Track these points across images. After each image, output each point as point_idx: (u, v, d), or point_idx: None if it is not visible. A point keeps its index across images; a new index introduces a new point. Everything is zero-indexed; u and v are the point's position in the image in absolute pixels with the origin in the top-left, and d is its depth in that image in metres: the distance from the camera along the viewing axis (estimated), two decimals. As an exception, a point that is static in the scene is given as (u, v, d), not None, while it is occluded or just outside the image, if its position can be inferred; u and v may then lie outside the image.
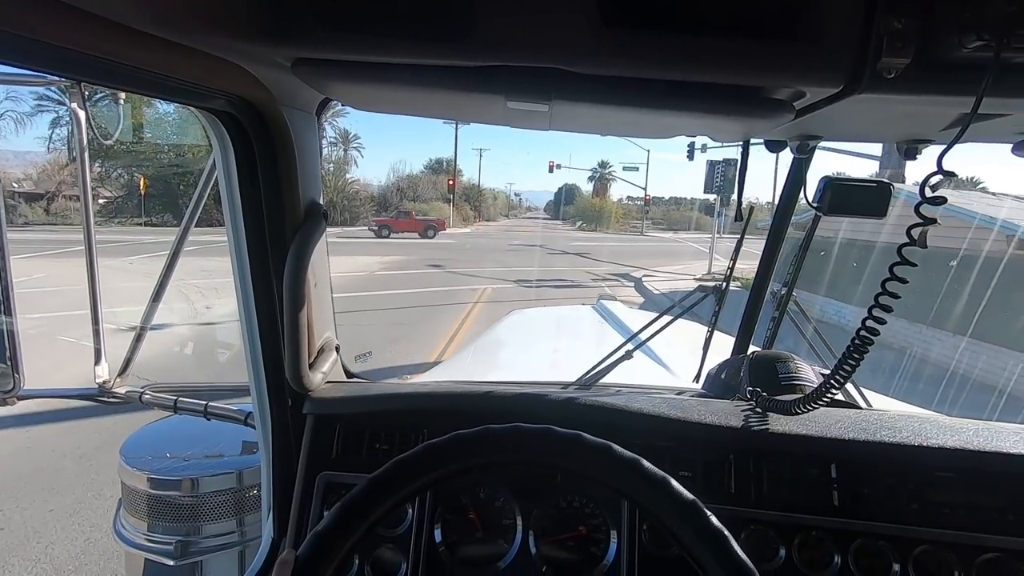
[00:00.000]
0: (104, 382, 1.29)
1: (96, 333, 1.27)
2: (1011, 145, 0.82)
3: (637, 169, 42.94)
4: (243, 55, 0.71)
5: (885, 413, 1.09)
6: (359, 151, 44.84)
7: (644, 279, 14.08)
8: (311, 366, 1.00)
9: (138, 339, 1.29)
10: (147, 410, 1.29)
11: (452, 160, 45.30)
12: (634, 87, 0.63)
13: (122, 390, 1.29)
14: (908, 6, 0.51)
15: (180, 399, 1.23)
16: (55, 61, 0.57)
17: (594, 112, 0.74)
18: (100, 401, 1.29)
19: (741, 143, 1.02)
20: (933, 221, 0.62)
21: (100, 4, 0.53)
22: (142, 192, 22.45)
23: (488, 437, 0.61)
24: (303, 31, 0.59)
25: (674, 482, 0.58)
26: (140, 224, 22.29)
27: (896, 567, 0.88)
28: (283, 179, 0.90)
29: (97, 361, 1.28)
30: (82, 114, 1.15)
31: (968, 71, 0.52)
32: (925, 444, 0.91)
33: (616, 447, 0.60)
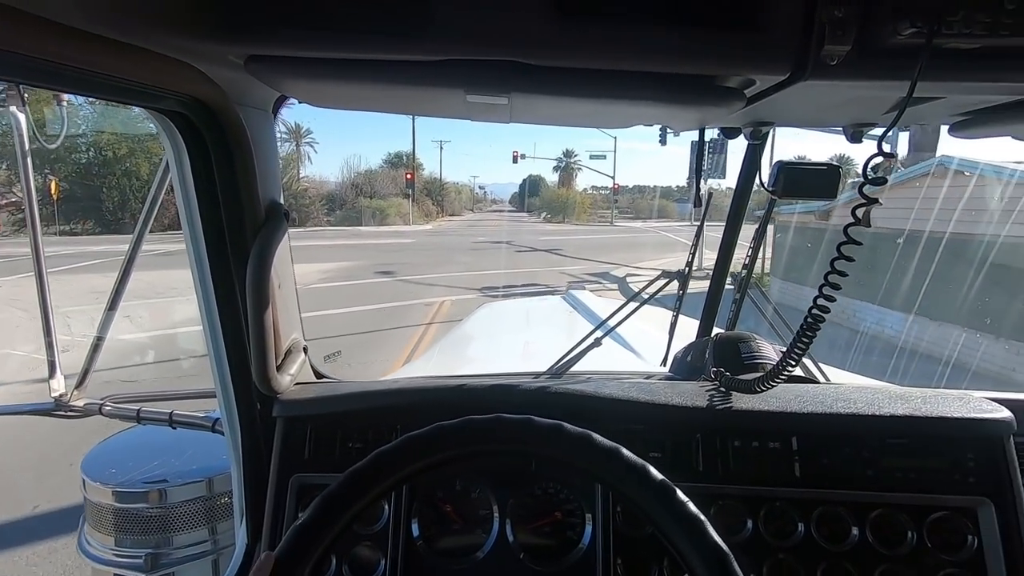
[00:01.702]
0: (60, 396, 1.24)
1: (49, 345, 1.22)
2: (947, 127, 0.87)
3: (604, 157, 41.95)
4: (193, 54, 0.69)
5: (841, 386, 1.14)
6: (312, 147, 42.72)
7: (628, 278, 12.57)
8: (279, 368, 0.99)
9: (95, 349, 1.25)
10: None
11: (411, 153, 43.49)
12: (591, 78, 0.64)
13: (80, 403, 1.24)
14: None
15: (143, 409, 1.19)
16: None
17: (553, 104, 0.75)
18: (57, 416, 1.24)
19: (697, 131, 1.04)
20: (876, 201, 0.65)
21: (40, 4, 0.51)
22: (53, 196, 19.11)
23: (469, 427, 0.62)
24: (255, 28, 0.58)
25: (652, 468, 0.60)
26: (54, 233, 19.08)
27: (855, 531, 0.93)
28: (241, 179, 0.89)
29: (51, 374, 1.23)
30: (22, 117, 1.10)
31: (904, 57, 0.54)
32: (878, 413, 0.95)
33: (596, 436, 0.62)
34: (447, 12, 0.56)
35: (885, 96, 0.70)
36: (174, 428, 1.19)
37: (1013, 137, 0.84)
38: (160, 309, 7.95)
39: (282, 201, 0.99)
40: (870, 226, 0.68)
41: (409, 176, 34.44)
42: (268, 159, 0.93)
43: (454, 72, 0.64)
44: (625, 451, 0.61)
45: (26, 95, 1.08)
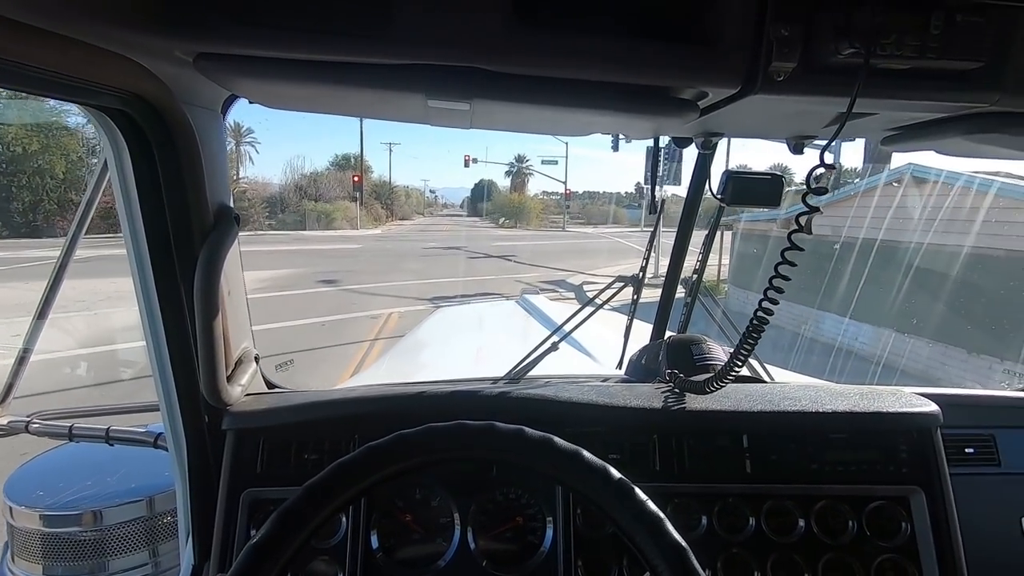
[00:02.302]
0: (-22, 414, 1.14)
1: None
2: (880, 139, 0.93)
3: (556, 163, 42.27)
4: (136, 48, 0.65)
5: (787, 385, 1.20)
6: (254, 147, 40.39)
7: (584, 286, 12.40)
8: (229, 379, 0.94)
9: (20, 362, 1.16)
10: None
11: (359, 155, 41.85)
12: (551, 86, 0.66)
13: (4, 420, 1.15)
14: (793, 15, 0.56)
15: (76, 425, 1.11)
16: None
17: (513, 110, 0.76)
18: (-25, 435, 1.14)
19: (652, 139, 1.07)
20: (817, 210, 0.69)
21: None
22: None
23: (431, 434, 0.62)
24: (206, 23, 0.56)
25: (612, 469, 0.61)
26: None
27: (801, 523, 0.97)
28: (188, 182, 0.84)
29: (-30, 391, 1.13)
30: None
31: (843, 74, 0.58)
32: (820, 410, 1.01)
33: (557, 440, 0.63)
34: (408, 15, 0.56)
35: (825, 111, 0.75)
36: (111, 445, 1.12)
37: (937, 151, 0.91)
38: (86, 322, 7.35)
39: (232, 204, 0.95)
40: (811, 233, 0.72)
41: (356, 179, 32.92)
42: (216, 161, 0.90)
43: (415, 76, 0.64)
44: (586, 453, 0.63)
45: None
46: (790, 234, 0.72)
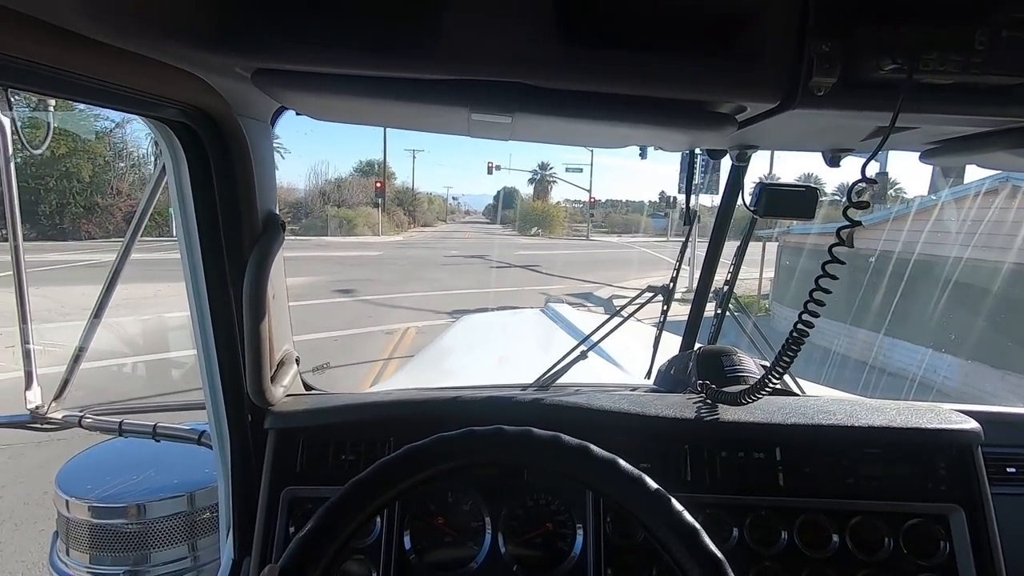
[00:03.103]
0: (37, 407, 1.20)
1: (27, 355, 1.18)
2: (919, 153, 0.92)
3: (581, 170, 41.69)
4: (200, 64, 0.69)
5: (820, 399, 1.18)
6: (280, 153, 41.52)
7: (614, 299, 11.63)
8: (272, 379, 0.98)
9: (76, 360, 1.21)
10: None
11: (383, 162, 41.48)
12: (592, 100, 0.67)
13: (59, 415, 1.20)
14: (834, 31, 0.57)
15: (126, 421, 1.16)
16: None
17: (553, 124, 0.77)
18: (33, 428, 1.20)
19: (687, 151, 1.08)
20: (859, 223, 0.70)
21: (49, 10, 0.50)
22: None
23: (472, 438, 0.64)
24: (265, 41, 0.59)
25: (648, 479, 0.62)
26: None
27: (835, 538, 0.96)
28: (240, 190, 0.89)
29: (28, 385, 1.19)
30: (7, 121, 1.08)
31: (885, 89, 0.59)
32: (856, 424, 1.00)
33: (594, 448, 0.64)
34: (456, 33, 0.58)
35: (865, 124, 0.75)
36: (158, 441, 1.17)
37: (978, 165, 0.90)
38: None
39: (278, 212, 0.99)
40: (853, 247, 0.72)
41: (379, 185, 32.30)
42: (265, 170, 0.94)
43: (460, 91, 0.66)
44: (622, 462, 0.64)
45: (13, 99, 1.06)
46: (831, 247, 0.73)
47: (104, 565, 1.23)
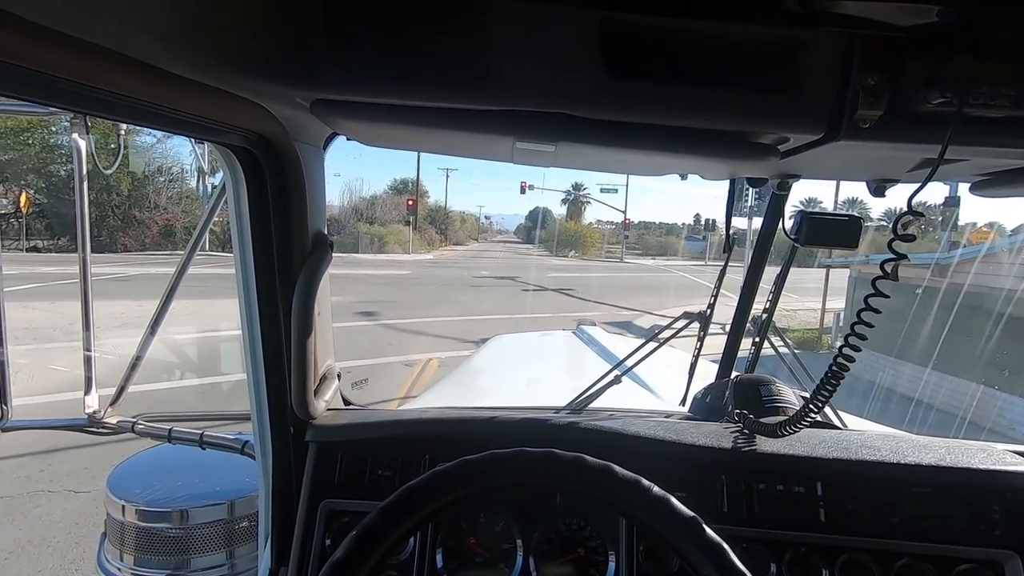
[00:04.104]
0: (94, 412, 1.27)
1: (87, 361, 1.25)
2: (968, 185, 0.91)
3: (615, 191, 40.94)
4: (264, 94, 0.74)
5: (863, 433, 1.15)
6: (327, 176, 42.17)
7: (655, 330, 10.62)
8: (315, 393, 1.01)
9: (132, 368, 1.28)
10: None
11: (416, 180, 41.81)
12: (634, 131, 0.69)
13: (113, 420, 1.27)
14: (880, 64, 0.58)
15: (175, 428, 1.21)
16: (71, 96, 0.57)
17: (595, 152, 0.79)
18: (90, 432, 1.26)
19: (728, 180, 1.09)
20: (904, 256, 0.69)
21: (128, 44, 0.54)
22: (23, 210, 17.98)
23: (494, 461, 0.65)
24: (324, 73, 0.62)
25: (674, 500, 0.62)
26: (19, 249, 18.04)
27: None
28: (293, 211, 0.93)
29: (87, 391, 1.26)
30: (83, 144, 1.16)
31: (933, 122, 0.58)
32: (903, 462, 0.97)
33: (617, 468, 0.64)
34: (504, 66, 0.61)
35: (911, 156, 0.74)
36: (203, 449, 1.21)
37: None
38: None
39: (326, 232, 1.04)
40: (897, 280, 0.71)
41: (411, 203, 32.25)
42: (317, 192, 0.98)
43: (506, 121, 0.68)
44: (646, 482, 0.64)
45: (90, 123, 1.14)
46: (874, 280, 0.72)
47: (148, 568, 1.28)
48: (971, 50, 0.55)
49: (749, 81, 0.62)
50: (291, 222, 0.94)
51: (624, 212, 38.11)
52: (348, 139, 0.99)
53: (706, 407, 1.39)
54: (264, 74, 0.63)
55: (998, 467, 0.96)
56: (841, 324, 10.54)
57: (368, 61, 0.62)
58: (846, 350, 0.79)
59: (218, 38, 0.57)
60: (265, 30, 0.60)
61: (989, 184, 0.84)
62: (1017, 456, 0.99)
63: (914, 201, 0.66)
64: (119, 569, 1.29)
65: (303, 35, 0.60)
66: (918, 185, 0.71)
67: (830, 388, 0.85)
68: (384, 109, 0.69)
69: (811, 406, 0.89)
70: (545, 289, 17.18)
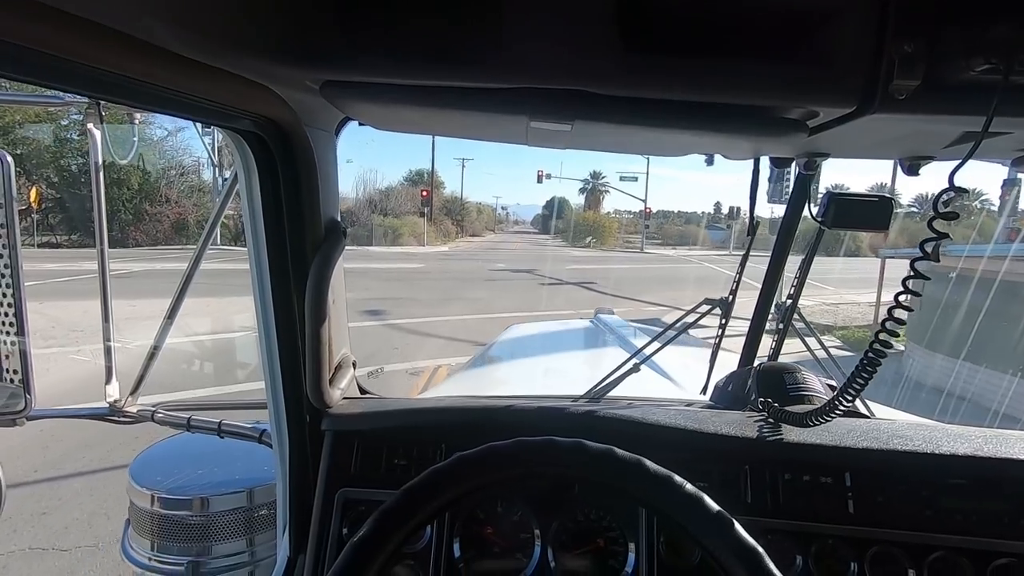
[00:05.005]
0: (115, 401, 1.28)
1: (107, 351, 1.27)
2: (1009, 161, 0.85)
3: (636, 179, 39.57)
4: (273, 78, 0.72)
5: (894, 423, 1.11)
6: (339, 162, 41.34)
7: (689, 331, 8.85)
8: (330, 382, 1.01)
9: (151, 358, 1.29)
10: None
11: (431, 170, 40.42)
12: (653, 108, 0.66)
13: (134, 409, 1.28)
14: (917, 30, 0.53)
15: (193, 417, 1.22)
16: (82, 80, 0.57)
17: (613, 131, 0.76)
18: (111, 420, 1.28)
19: (752, 159, 1.05)
20: (946, 235, 0.65)
21: (138, 27, 0.53)
22: (34, 205, 17.50)
23: (521, 449, 0.63)
24: (333, 54, 0.61)
25: (707, 498, 0.60)
26: (31, 245, 17.98)
27: (911, 573, 0.89)
28: (305, 197, 0.92)
29: (108, 380, 1.28)
30: (98, 133, 1.16)
31: (976, 92, 0.54)
32: (937, 452, 0.93)
33: (647, 462, 0.62)
34: (517, 42, 0.58)
35: (949, 130, 0.70)
36: (222, 437, 1.22)
37: None
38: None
39: (339, 219, 1.02)
40: (938, 260, 0.67)
41: (425, 193, 31.15)
42: (329, 178, 0.97)
43: (520, 99, 0.66)
44: (677, 477, 0.62)
45: (104, 112, 1.15)
46: (913, 261, 0.68)
47: (171, 554, 1.30)
48: (1018, 11, 0.51)
49: (775, 52, 0.58)
50: (303, 210, 0.93)
51: (644, 201, 37.44)
52: (360, 124, 0.97)
53: (729, 396, 1.35)
54: (272, 56, 0.61)
55: None
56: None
57: (377, 41, 0.60)
58: (883, 336, 0.75)
59: (225, 19, 0.56)
60: (273, 11, 0.58)
61: None
62: None
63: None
64: (142, 555, 1.32)
65: (311, 16, 0.59)
66: (957, 162, 0.67)
67: (865, 376, 0.81)
68: (395, 90, 0.67)
69: (844, 395, 0.85)
70: (565, 283, 16.01)
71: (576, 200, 57.13)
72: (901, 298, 0.71)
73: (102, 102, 1.11)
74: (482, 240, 42.29)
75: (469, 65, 0.60)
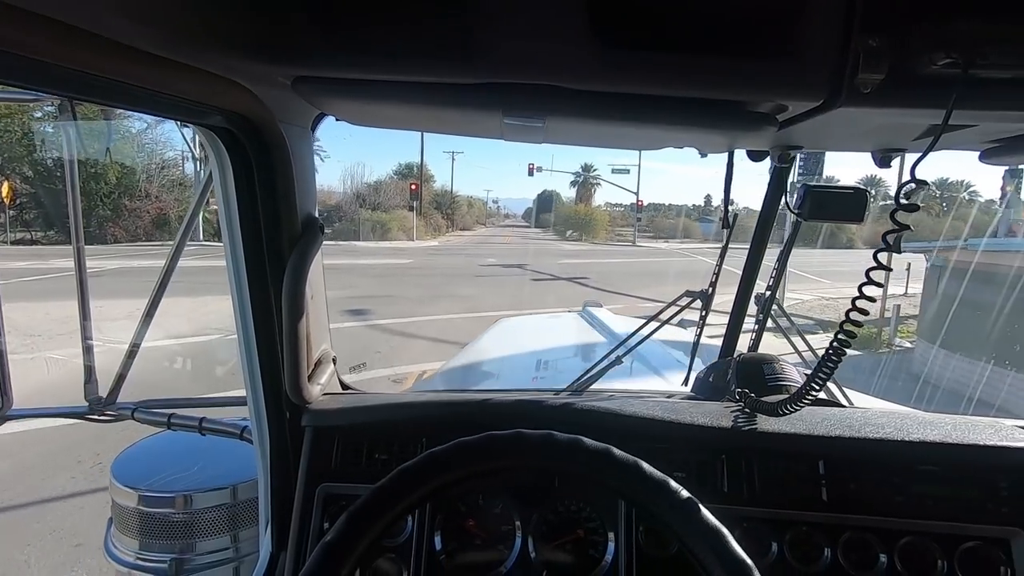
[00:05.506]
0: (95, 400, 1.28)
1: (86, 350, 1.26)
2: (978, 153, 0.87)
3: (628, 172, 38.97)
4: (244, 73, 0.72)
5: (868, 411, 1.13)
6: (319, 156, 38.90)
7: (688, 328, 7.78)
8: (310, 378, 1.01)
9: (130, 356, 1.28)
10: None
11: (420, 163, 39.43)
12: (626, 103, 0.66)
13: (113, 408, 1.28)
14: (882, 25, 0.54)
15: (174, 415, 1.22)
16: (51, 79, 0.57)
17: (587, 126, 0.77)
18: (91, 419, 1.27)
19: (726, 153, 1.05)
20: (908, 227, 0.66)
21: (101, 23, 0.53)
22: (6, 201, 17.19)
23: (492, 443, 0.63)
24: (305, 50, 0.61)
25: (673, 483, 0.61)
26: (7, 242, 17.48)
27: (883, 558, 0.91)
28: (281, 194, 0.92)
29: (88, 379, 1.27)
30: (72, 131, 1.15)
31: (938, 85, 0.55)
32: (907, 439, 0.94)
33: (615, 450, 0.63)
34: (488, 38, 0.59)
35: (916, 123, 0.71)
36: (203, 434, 1.22)
37: None
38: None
39: (317, 215, 1.02)
40: (900, 252, 0.68)
41: (414, 187, 30.18)
42: (306, 174, 0.97)
43: (493, 95, 0.66)
44: (645, 464, 0.63)
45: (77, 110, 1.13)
46: (876, 252, 0.69)
47: (154, 552, 1.30)
48: (978, 8, 0.52)
49: (744, 46, 0.58)
50: (279, 206, 0.93)
51: (636, 193, 37.33)
52: (337, 119, 0.97)
53: (709, 387, 1.37)
54: (244, 52, 0.61)
55: (1007, 443, 0.94)
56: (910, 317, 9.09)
57: (350, 37, 0.60)
58: (848, 326, 0.77)
59: (195, 16, 0.56)
60: (244, 7, 0.58)
61: (999, 151, 0.81)
62: None
63: (917, 172, 0.63)
64: (126, 553, 1.31)
65: (282, 11, 0.58)
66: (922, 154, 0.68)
67: (832, 365, 0.83)
68: (367, 86, 0.67)
69: (813, 384, 0.87)
70: (557, 278, 15.62)
71: (568, 193, 57.02)
72: (865, 289, 0.72)
73: (75, 101, 1.10)
74: (473, 234, 41.75)
75: (442, 61, 0.60)
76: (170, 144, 23.02)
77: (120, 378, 1.29)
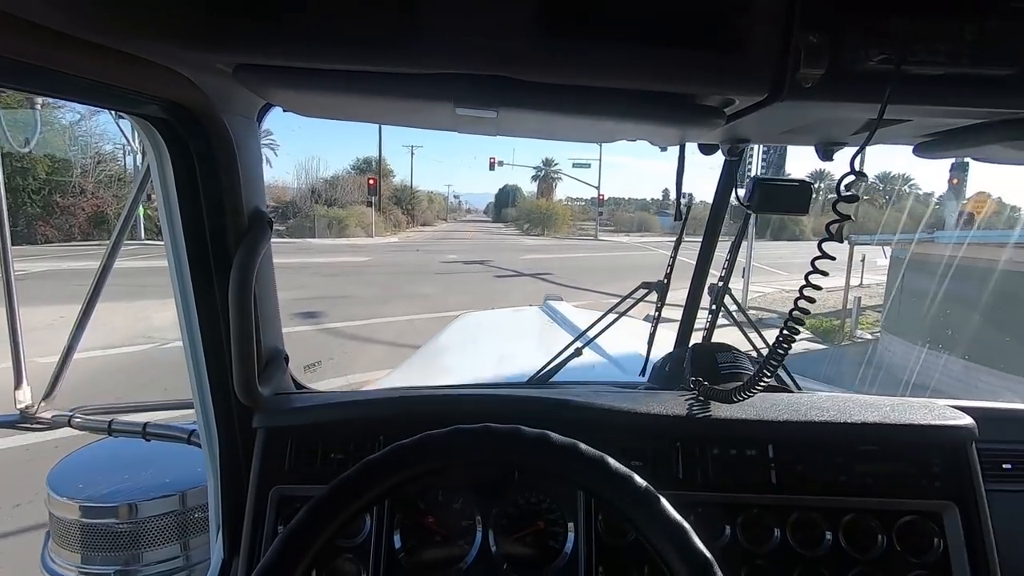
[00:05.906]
0: (26, 407, 1.20)
1: (16, 353, 1.18)
2: (912, 147, 0.91)
3: (588, 166, 39.13)
4: (180, 60, 0.68)
5: (814, 395, 1.17)
6: (272, 150, 35.19)
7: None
8: (260, 378, 0.97)
9: (65, 359, 1.21)
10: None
11: (379, 158, 38.11)
12: (577, 94, 0.66)
13: (48, 415, 1.20)
14: (822, 22, 0.56)
15: (115, 420, 1.16)
16: None
17: (540, 118, 0.76)
18: (23, 428, 1.19)
19: (678, 146, 1.07)
20: (849, 218, 0.68)
21: (23, 6, 0.50)
22: None
23: (457, 436, 0.63)
24: (245, 36, 0.58)
25: (637, 478, 0.62)
26: None
27: (828, 536, 0.95)
28: (225, 187, 0.88)
29: (18, 385, 1.19)
30: (-7, 120, 1.07)
31: (874, 81, 0.58)
32: (849, 421, 0.99)
33: (582, 445, 0.63)
34: (436, 26, 0.58)
35: (856, 117, 0.74)
36: (148, 440, 1.16)
37: (972, 158, 0.88)
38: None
39: (265, 209, 0.98)
40: (842, 241, 0.71)
41: (372, 182, 28.55)
42: (252, 166, 0.93)
43: (443, 85, 0.65)
44: (611, 460, 0.63)
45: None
46: (820, 243, 0.72)
47: (95, 565, 1.23)
48: (911, 6, 0.54)
49: (691, 40, 0.59)
50: (223, 199, 0.89)
51: (598, 188, 37.68)
52: (284, 110, 0.93)
53: (665, 376, 1.40)
54: (179, 38, 0.58)
55: (938, 422, 0.99)
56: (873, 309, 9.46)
57: (292, 23, 0.58)
58: (796, 313, 0.79)
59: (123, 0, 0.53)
60: None
61: (931, 146, 0.85)
62: (956, 411, 1.03)
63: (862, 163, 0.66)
64: (64, 568, 1.24)
65: None
66: (860, 147, 0.71)
67: (781, 352, 0.86)
68: (312, 75, 0.65)
69: (764, 371, 0.89)
70: (521, 274, 15.18)
71: (529, 188, 57.15)
72: (812, 278, 0.74)
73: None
74: (434, 230, 41.19)
75: (387, 50, 0.59)
76: (107, 136, 21.58)
77: (55, 382, 1.21)
